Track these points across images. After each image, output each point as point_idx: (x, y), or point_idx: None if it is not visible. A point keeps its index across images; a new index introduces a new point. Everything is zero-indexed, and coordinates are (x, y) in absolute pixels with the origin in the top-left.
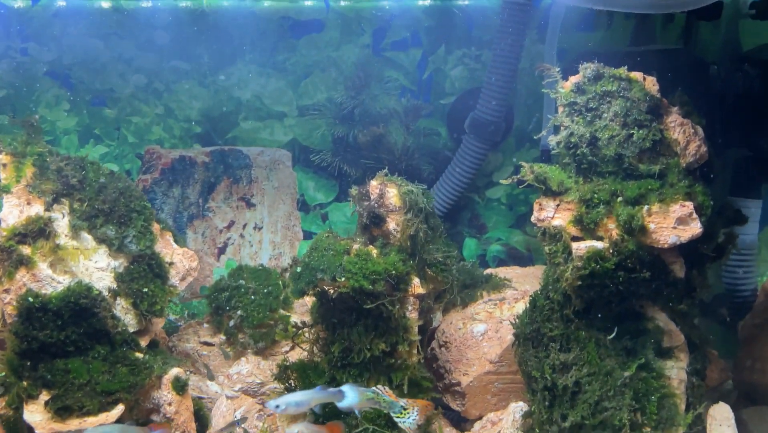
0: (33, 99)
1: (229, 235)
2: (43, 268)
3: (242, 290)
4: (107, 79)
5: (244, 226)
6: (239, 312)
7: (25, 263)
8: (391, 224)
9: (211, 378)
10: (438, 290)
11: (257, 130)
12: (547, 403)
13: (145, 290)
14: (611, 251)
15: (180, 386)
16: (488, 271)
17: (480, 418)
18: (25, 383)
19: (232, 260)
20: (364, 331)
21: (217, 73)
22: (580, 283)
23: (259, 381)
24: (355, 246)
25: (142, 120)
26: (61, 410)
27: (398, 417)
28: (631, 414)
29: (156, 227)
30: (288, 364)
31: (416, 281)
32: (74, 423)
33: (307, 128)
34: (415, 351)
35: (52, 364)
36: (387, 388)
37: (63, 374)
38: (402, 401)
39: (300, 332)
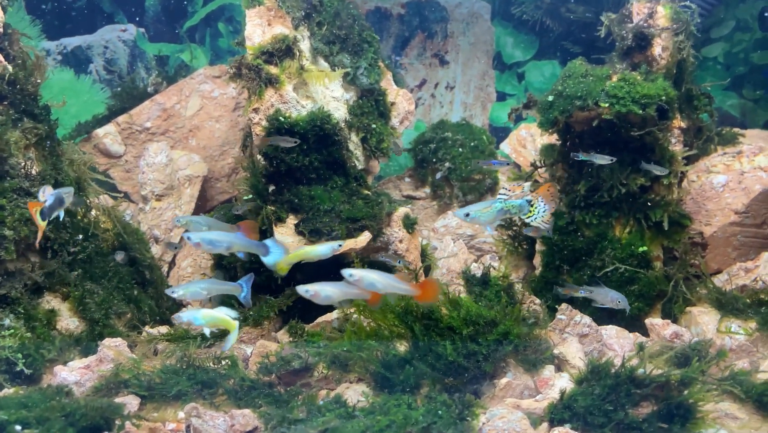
0: None
1: (420, 94)
2: (289, 89)
3: (449, 142)
4: None
5: (436, 85)
6: (447, 164)
7: (273, 82)
8: (657, 48)
9: None
10: (695, 127)
11: None
12: None
13: (374, 126)
14: None
15: (410, 224)
16: (718, 128)
17: (719, 272)
18: (272, 207)
19: (422, 121)
20: (618, 166)
21: None
22: None
23: (469, 233)
24: (617, 73)
25: None
26: (313, 233)
27: (529, 216)
28: None
29: (380, 64)
30: None
31: (678, 114)
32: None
33: None
34: (676, 187)
35: (297, 189)
36: (511, 184)
37: (308, 200)
38: (524, 193)
39: (533, 172)
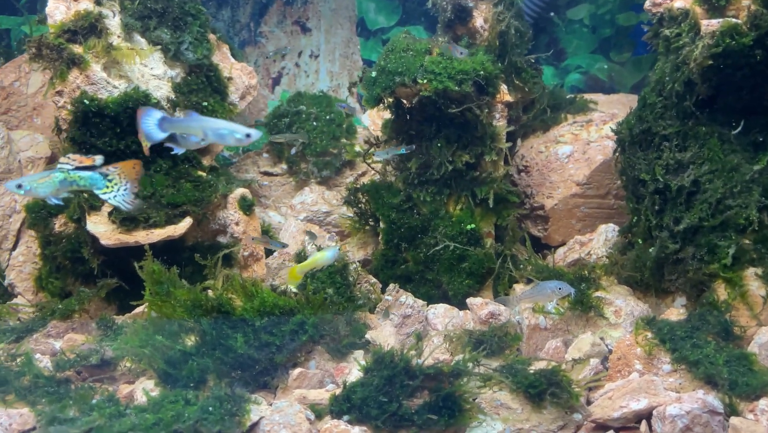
0: None
1: (283, 64)
2: (97, 69)
3: (303, 116)
4: None
5: (300, 54)
6: (301, 139)
7: (78, 62)
8: (479, 20)
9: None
10: (526, 100)
11: None
12: (657, 207)
13: (205, 104)
14: (748, 25)
15: (247, 206)
16: (571, 95)
17: (563, 244)
18: (85, 194)
19: (287, 91)
20: (445, 143)
21: None
22: (710, 63)
23: (325, 210)
24: (438, 46)
25: None
26: (126, 221)
27: (105, 192)
28: (759, 212)
29: (212, 37)
30: (358, 186)
31: (504, 87)
32: (141, 235)
33: None
34: (501, 163)
35: None
36: (76, 155)
37: None
38: (101, 170)
39: (371, 150)
